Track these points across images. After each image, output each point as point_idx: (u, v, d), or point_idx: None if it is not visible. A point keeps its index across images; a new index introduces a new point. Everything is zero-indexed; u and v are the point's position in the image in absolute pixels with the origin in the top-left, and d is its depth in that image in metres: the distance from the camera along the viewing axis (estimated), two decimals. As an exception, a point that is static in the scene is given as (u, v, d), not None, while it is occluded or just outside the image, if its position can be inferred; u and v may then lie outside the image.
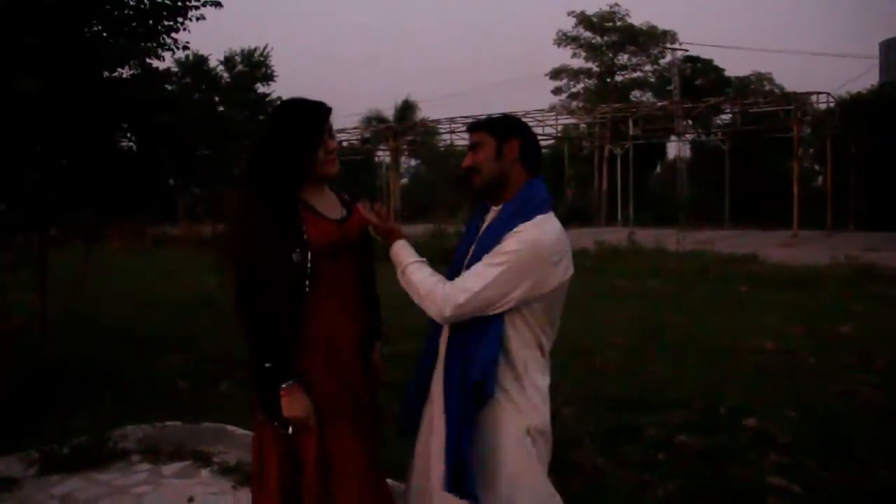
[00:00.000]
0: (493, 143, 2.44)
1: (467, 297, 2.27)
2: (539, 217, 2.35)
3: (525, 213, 2.36)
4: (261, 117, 33.92)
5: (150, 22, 6.01)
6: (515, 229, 2.32)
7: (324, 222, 2.45)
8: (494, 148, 2.43)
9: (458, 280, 2.33)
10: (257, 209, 2.37)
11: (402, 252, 2.45)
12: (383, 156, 40.33)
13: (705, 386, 5.88)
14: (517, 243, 2.29)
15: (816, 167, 35.48)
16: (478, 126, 2.51)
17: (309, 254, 2.36)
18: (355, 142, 38.60)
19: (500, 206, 2.45)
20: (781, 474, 4.14)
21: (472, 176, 2.47)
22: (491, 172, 2.43)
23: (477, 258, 2.35)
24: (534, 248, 2.29)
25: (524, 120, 2.66)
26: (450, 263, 2.55)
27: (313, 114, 2.45)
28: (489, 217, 2.49)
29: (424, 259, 2.45)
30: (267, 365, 2.33)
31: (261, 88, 36.78)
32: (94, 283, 8.43)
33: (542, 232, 2.32)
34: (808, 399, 5.53)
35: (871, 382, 5.99)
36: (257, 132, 2.44)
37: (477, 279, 2.28)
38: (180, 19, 6.17)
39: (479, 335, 2.31)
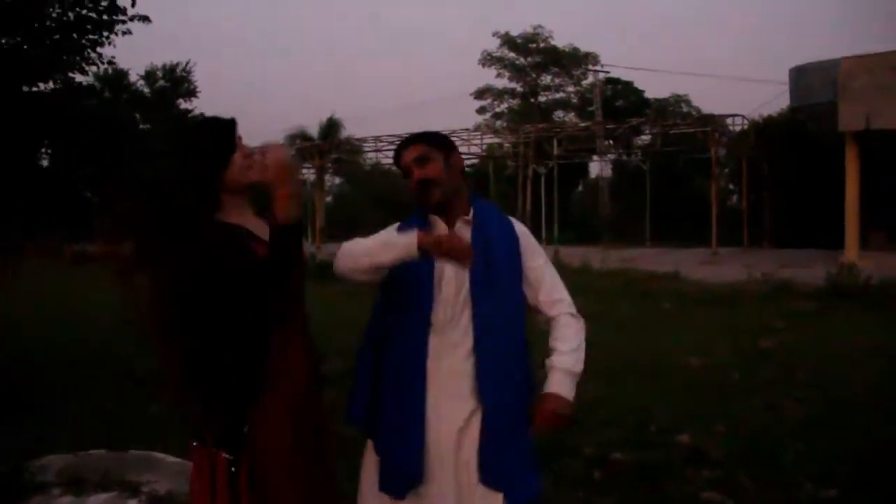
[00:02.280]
0: (441, 156, 2.42)
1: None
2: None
3: (501, 211, 2.55)
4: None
5: (74, 35, 5.79)
6: (519, 228, 2.53)
7: (264, 247, 2.25)
8: (443, 161, 2.42)
9: (562, 297, 2.53)
10: (198, 230, 2.19)
11: (562, 384, 2.45)
12: (307, 174, 39.92)
13: (636, 403, 5.96)
14: (531, 236, 2.54)
15: (731, 186, 36.58)
16: (417, 140, 2.46)
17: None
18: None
19: (471, 215, 2.45)
20: (715, 489, 4.23)
21: (429, 189, 2.39)
22: (449, 184, 2.41)
23: (485, 262, 2.36)
24: None
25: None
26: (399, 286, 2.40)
27: (219, 125, 2.35)
28: (460, 230, 2.42)
29: (552, 361, 2.50)
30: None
31: (183, 104, 36.20)
32: (9, 301, 8.09)
33: None
34: (736, 414, 5.66)
35: (794, 396, 6.17)
36: (173, 152, 2.30)
37: (563, 286, 2.56)
38: (106, 33, 5.96)
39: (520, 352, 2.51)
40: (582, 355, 2.48)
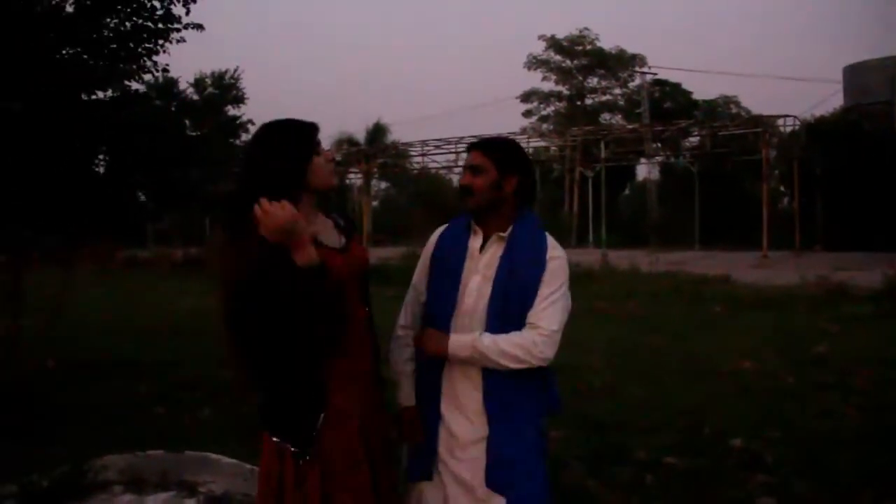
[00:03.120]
0: (494, 174, 2.47)
1: (557, 336, 2.40)
2: (549, 237, 2.52)
3: (542, 235, 2.51)
4: (231, 140, 33.81)
5: (131, 44, 5.94)
6: (550, 255, 2.46)
7: (326, 252, 2.25)
8: (494, 179, 2.47)
9: (539, 324, 2.37)
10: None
11: (459, 340, 2.38)
12: (354, 178, 40.24)
13: (688, 407, 5.90)
14: (561, 266, 2.46)
15: (782, 188, 35.96)
16: (482, 149, 2.53)
17: None
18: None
19: (508, 233, 2.48)
20: (769, 495, 4.16)
21: (465, 197, 2.51)
22: (485, 200, 2.48)
23: (505, 286, 2.41)
24: (567, 266, 2.50)
25: None
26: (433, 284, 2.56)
27: (300, 126, 2.33)
28: (493, 245, 2.50)
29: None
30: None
31: (231, 111, 36.68)
32: (66, 306, 8.25)
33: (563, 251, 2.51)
34: (790, 419, 5.57)
35: (850, 402, 6.04)
36: (243, 154, 2.28)
37: (554, 317, 2.39)
38: (161, 41, 6.10)
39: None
40: (500, 357, 2.34)
